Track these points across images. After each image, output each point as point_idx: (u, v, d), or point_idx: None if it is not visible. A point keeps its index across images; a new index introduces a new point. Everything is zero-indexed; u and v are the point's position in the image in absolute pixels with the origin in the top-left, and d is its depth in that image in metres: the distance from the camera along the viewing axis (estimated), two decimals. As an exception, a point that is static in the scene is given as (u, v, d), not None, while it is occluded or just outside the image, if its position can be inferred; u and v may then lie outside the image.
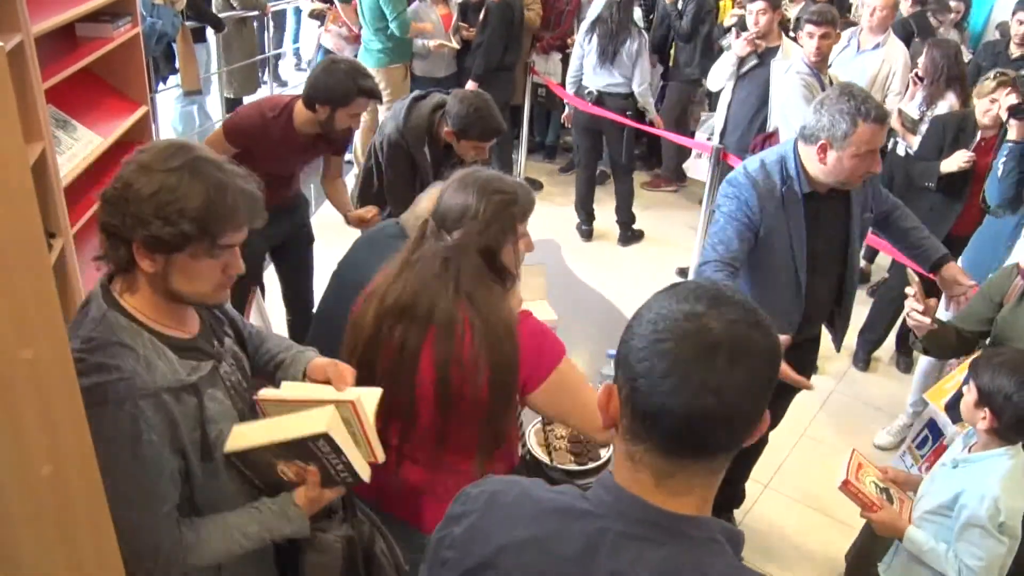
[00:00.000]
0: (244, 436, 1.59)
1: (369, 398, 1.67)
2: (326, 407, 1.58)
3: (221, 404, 1.60)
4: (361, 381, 1.76)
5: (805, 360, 2.89)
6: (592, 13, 5.97)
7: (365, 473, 1.63)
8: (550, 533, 1.07)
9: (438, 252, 1.81)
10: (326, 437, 1.53)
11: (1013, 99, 3.51)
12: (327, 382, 1.71)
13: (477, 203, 1.80)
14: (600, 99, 5.41)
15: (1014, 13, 4.97)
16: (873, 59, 4.73)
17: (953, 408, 2.45)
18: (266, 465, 1.62)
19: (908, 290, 2.42)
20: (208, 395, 1.56)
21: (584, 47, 5.40)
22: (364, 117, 6.03)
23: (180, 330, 1.58)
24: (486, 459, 1.85)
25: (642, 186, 6.72)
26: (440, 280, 1.79)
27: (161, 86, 4.87)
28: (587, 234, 5.91)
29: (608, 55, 5.26)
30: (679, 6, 6.03)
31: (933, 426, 2.59)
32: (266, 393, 1.67)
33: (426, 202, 2.59)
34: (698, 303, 1.00)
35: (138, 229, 1.42)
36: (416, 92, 3.53)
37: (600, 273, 5.38)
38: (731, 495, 3.25)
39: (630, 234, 5.83)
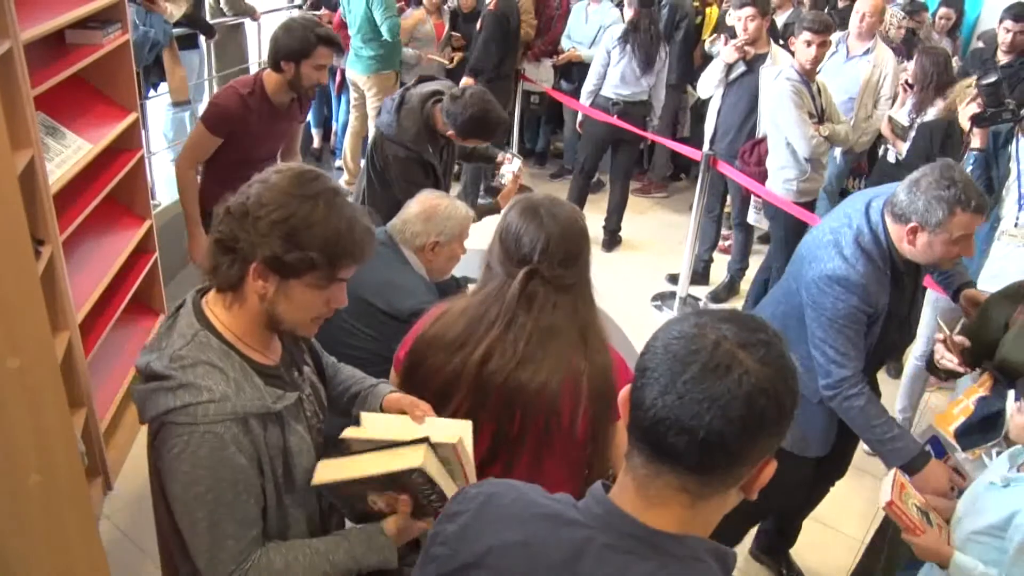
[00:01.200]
0: (334, 469, 1.56)
1: (464, 432, 1.62)
2: (419, 446, 1.53)
3: (301, 439, 1.56)
4: (470, 414, 1.72)
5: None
6: (575, 21, 6.03)
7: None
8: (538, 538, 1.07)
9: (553, 291, 1.74)
10: (420, 471, 1.50)
11: (974, 108, 3.55)
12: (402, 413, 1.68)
13: (581, 228, 1.79)
14: (625, 110, 5.36)
15: (1001, 21, 4.99)
16: (864, 64, 4.77)
17: (964, 435, 2.38)
18: (357, 496, 1.59)
19: (938, 335, 2.40)
20: (290, 427, 1.53)
21: (613, 56, 5.32)
22: (352, 123, 6.05)
23: (266, 356, 1.56)
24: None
25: (632, 192, 6.72)
26: (563, 316, 1.74)
27: (152, 92, 4.85)
28: None
29: (650, 64, 5.28)
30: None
31: (936, 444, 2.54)
32: (352, 432, 1.61)
33: (413, 207, 2.60)
34: (721, 319, 1.01)
35: (262, 249, 1.41)
36: (392, 103, 3.44)
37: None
38: (775, 536, 3.12)
39: (614, 239, 5.84)
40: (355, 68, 5.74)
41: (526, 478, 1.73)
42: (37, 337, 1.08)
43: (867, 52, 4.79)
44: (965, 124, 3.55)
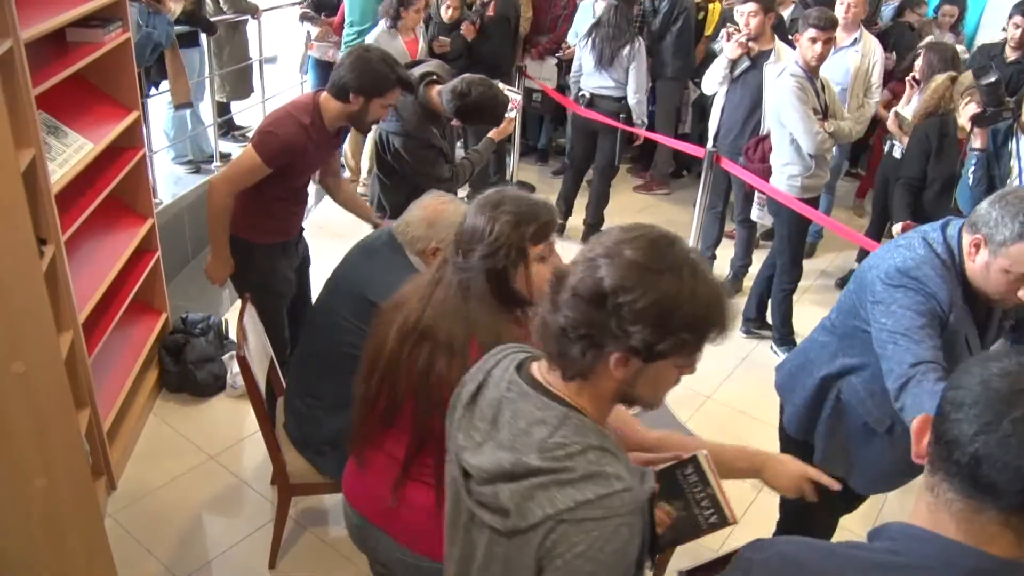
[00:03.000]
0: None
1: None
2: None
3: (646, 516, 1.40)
4: (385, 400, 1.81)
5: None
6: (582, 17, 5.99)
7: (731, 511, 1.49)
8: None
9: (455, 275, 1.78)
10: (695, 462, 1.47)
11: (973, 107, 3.54)
12: None
13: (485, 224, 1.73)
14: (592, 102, 5.43)
15: (1010, 17, 4.98)
16: (852, 55, 4.83)
17: None
18: None
19: None
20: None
21: (581, 50, 5.42)
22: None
23: (607, 429, 1.38)
24: None
25: (634, 189, 6.72)
26: (455, 305, 1.76)
27: (153, 91, 4.83)
28: (560, 228, 5.96)
29: (605, 59, 5.26)
30: (654, 3, 6.03)
31: None
32: None
33: (417, 210, 2.57)
34: None
35: (628, 339, 1.22)
36: None
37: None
38: None
39: (592, 232, 5.81)
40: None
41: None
42: (42, 342, 1.07)
43: (855, 42, 4.86)
44: (966, 124, 3.54)
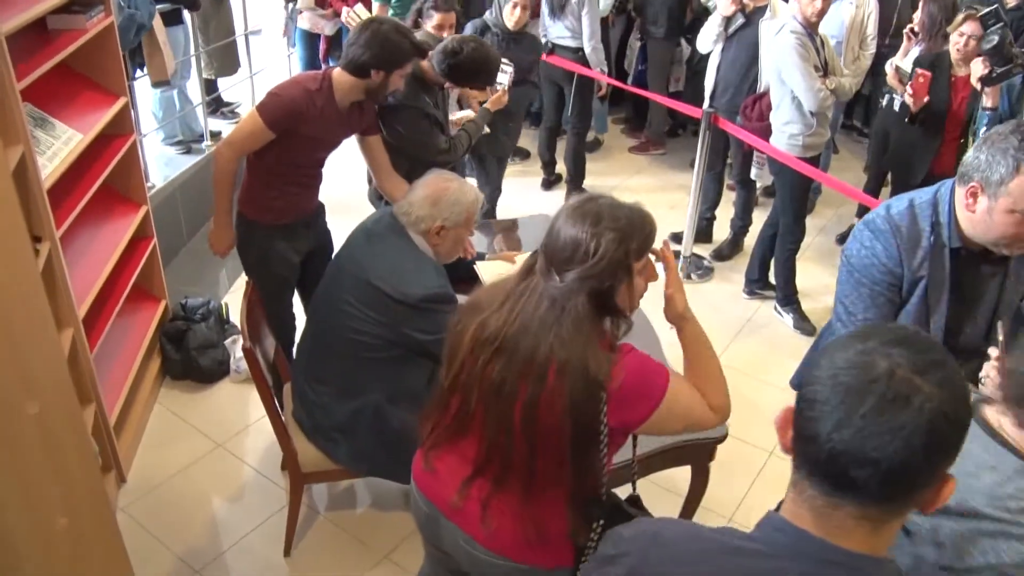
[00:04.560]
0: None
1: None
2: None
3: None
4: (457, 406, 1.77)
5: None
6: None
7: None
8: (723, 573, 1.05)
9: (545, 292, 1.68)
10: None
11: (980, 68, 3.49)
12: None
13: (588, 240, 1.63)
14: (553, 51, 5.43)
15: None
16: (847, 6, 4.78)
17: None
18: None
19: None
20: None
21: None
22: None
23: None
24: (579, 498, 1.76)
25: (630, 150, 6.65)
26: (544, 323, 1.66)
27: (139, 73, 4.72)
28: (546, 183, 6.02)
29: (556, 6, 5.25)
30: None
31: None
32: None
33: (420, 190, 2.53)
34: (888, 343, 0.97)
35: None
36: None
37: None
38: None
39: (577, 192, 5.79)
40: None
41: (520, 493, 1.74)
42: (55, 381, 1.02)
43: None
44: (976, 85, 3.49)
